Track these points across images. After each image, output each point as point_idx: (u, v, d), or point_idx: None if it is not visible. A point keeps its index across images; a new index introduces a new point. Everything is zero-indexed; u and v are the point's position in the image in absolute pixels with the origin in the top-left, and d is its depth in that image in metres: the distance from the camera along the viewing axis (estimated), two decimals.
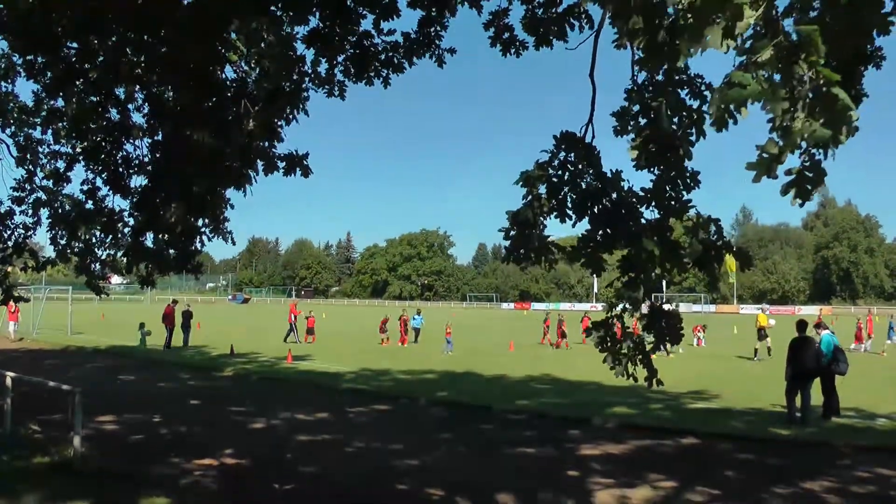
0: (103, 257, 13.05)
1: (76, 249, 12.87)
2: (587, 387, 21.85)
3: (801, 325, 17.00)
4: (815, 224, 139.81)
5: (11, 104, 14.73)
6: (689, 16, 4.45)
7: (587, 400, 19.28)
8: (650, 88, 6.87)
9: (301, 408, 17.87)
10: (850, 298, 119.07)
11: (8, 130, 14.60)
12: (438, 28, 10.96)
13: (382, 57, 11.04)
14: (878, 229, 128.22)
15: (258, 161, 10.33)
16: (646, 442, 14.37)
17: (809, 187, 4.44)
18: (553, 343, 37.50)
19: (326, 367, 26.33)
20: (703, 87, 6.98)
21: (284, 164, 10.73)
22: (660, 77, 6.76)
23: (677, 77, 6.85)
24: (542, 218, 6.54)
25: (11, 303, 33.58)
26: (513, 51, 10.66)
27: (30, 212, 13.70)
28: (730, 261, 6.70)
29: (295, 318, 38.15)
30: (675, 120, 6.68)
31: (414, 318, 38.95)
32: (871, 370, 26.15)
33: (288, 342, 36.23)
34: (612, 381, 22.31)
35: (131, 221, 12.46)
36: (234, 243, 11.59)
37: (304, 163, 10.75)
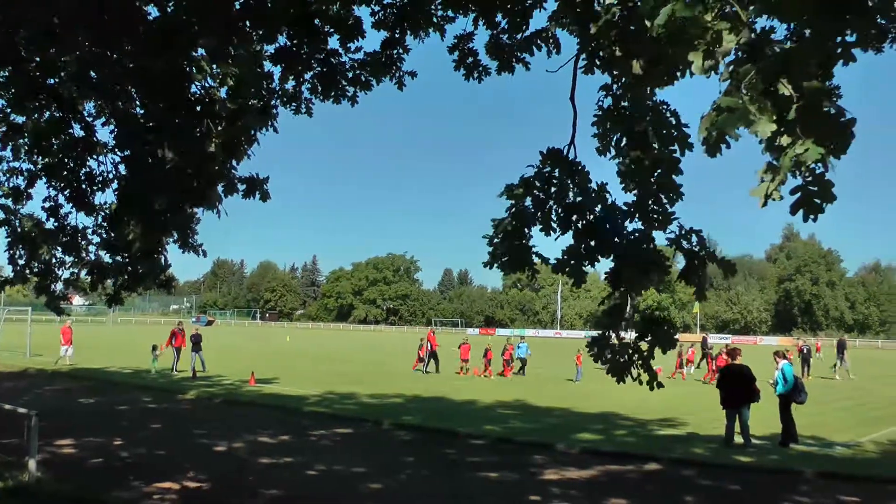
0: (65, 276, 12.81)
1: (35, 269, 12.62)
2: (555, 412, 21.91)
3: (734, 352, 17.47)
4: (779, 256, 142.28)
5: None
6: (670, 42, 4.43)
7: (553, 425, 19.32)
8: (626, 112, 6.91)
9: (264, 431, 17.66)
10: (812, 330, 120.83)
11: None
12: (401, 51, 10.97)
13: (350, 75, 10.98)
14: (839, 263, 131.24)
15: (219, 183, 10.27)
16: (609, 467, 14.41)
17: (818, 201, 4.40)
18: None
19: (290, 391, 26.07)
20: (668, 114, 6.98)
21: (245, 186, 10.69)
22: (625, 103, 6.83)
23: (650, 102, 6.86)
24: (526, 229, 6.56)
25: (65, 327, 32.80)
26: (476, 75, 10.72)
27: None
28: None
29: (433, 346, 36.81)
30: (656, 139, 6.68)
31: (519, 347, 36.50)
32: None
33: (426, 370, 36.16)
34: (580, 408, 22.43)
35: (95, 239, 12.31)
36: (205, 255, 11.34)
37: (264, 187, 10.75)
